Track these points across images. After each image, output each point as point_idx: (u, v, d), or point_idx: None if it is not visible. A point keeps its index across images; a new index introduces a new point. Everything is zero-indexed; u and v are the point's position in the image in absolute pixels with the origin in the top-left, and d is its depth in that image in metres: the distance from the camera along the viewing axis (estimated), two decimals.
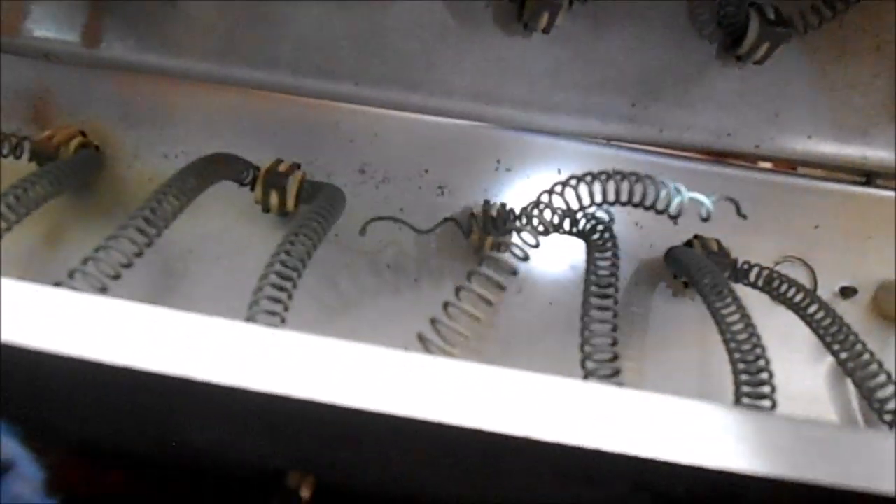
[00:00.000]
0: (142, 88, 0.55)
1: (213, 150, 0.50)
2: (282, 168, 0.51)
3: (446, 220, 0.54)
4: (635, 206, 0.36)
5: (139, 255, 0.37)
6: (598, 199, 0.35)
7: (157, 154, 0.56)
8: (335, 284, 0.56)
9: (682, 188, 0.36)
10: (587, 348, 0.35)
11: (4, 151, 0.52)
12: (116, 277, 0.35)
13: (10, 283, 0.25)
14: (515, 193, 0.56)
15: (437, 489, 0.29)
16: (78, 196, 0.57)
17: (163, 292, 0.57)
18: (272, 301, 0.35)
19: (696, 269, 0.46)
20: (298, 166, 0.53)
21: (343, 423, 0.25)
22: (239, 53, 0.54)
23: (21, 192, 0.43)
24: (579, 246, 0.56)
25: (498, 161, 0.56)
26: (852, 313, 0.56)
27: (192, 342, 0.25)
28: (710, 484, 0.25)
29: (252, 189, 0.52)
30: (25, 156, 0.52)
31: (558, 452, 0.24)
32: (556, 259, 0.57)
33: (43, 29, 0.54)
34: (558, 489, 0.27)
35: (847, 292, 0.57)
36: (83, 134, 0.54)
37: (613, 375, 0.33)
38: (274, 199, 0.51)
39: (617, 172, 0.36)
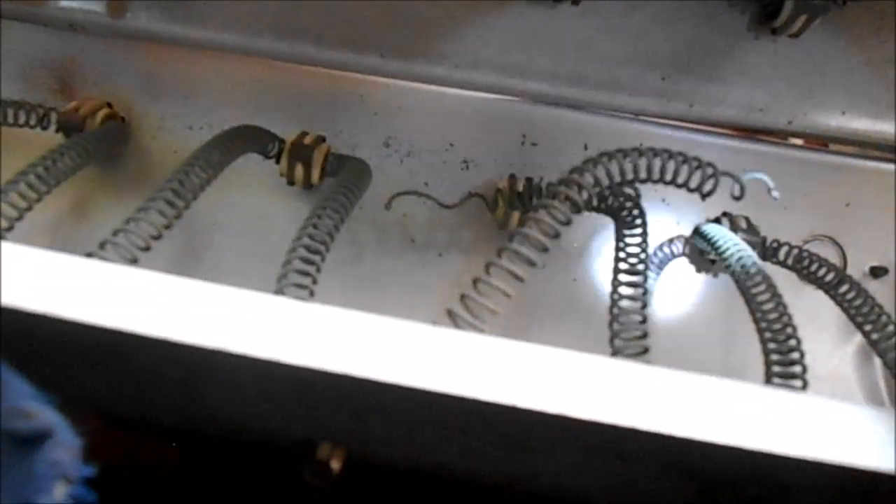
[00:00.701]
0: (167, 59, 0.55)
1: (238, 121, 0.50)
2: (307, 141, 0.51)
3: (471, 195, 0.54)
4: (667, 183, 0.36)
5: (168, 226, 0.37)
6: (630, 176, 0.34)
7: (182, 125, 0.56)
8: (360, 257, 0.56)
9: (716, 167, 0.35)
10: (616, 325, 0.34)
11: (31, 122, 0.52)
12: (146, 249, 0.35)
13: (42, 254, 0.26)
14: (541, 168, 0.55)
15: (465, 464, 0.29)
16: (103, 167, 0.57)
17: (187, 263, 0.57)
18: (300, 274, 0.35)
19: (725, 247, 0.45)
20: (323, 139, 0.53)
21: (373, 397, 0.25)
22: (264, 25, 0.53)
23: (50, 164, 0.43)
24: (603, 221, 0.55)
25: (524, 135, 0.55)
26: (882, 293, 0.56)
27: (225, 314, 0.25)
28: (741, 463, 0.25)
29: (277, 162, 0.52)
30: (52, 127, 0.52)
31: (590, 430, 0.24)
32: (580, 234, 0.56)
33: None
34: (587, 466, 0.27)
35: (877, 272, 0.56)
36: (109, 105, 0.54)
37: (642, 353, 0.33)
38: (299, 171, 0.51)
39: (649, 149, 0.35)
